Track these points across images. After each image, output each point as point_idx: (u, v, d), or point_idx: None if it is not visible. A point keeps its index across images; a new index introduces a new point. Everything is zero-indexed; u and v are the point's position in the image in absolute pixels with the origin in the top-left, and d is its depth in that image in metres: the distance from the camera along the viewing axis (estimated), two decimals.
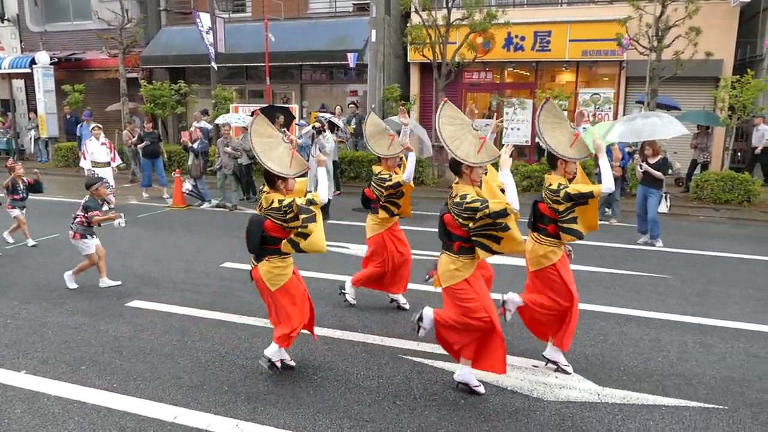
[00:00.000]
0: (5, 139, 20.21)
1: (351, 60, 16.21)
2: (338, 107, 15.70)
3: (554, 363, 4.89)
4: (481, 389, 4.51)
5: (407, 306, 6.28)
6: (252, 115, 12.44)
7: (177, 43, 19.25)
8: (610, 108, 14.76)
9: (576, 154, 4.56)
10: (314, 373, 4.85)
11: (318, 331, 5.64)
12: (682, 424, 4.11)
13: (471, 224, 4.10)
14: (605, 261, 8.18)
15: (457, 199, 4.16)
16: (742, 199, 12.05)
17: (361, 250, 8.67)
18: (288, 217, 4.32)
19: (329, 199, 10.83)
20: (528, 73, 17.20)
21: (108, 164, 11.56)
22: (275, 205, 4.35)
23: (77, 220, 6.79)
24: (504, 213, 4.00)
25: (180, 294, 6.72)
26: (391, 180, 5.81)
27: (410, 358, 5.12)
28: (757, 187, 12.13)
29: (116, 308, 6.29)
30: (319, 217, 4.35)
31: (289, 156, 4.46)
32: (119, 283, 7.01)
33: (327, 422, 4.13)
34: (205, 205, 12.17)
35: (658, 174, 9.02)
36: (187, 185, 12.24)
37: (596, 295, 6.68)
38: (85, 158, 11.60)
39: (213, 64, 16.21)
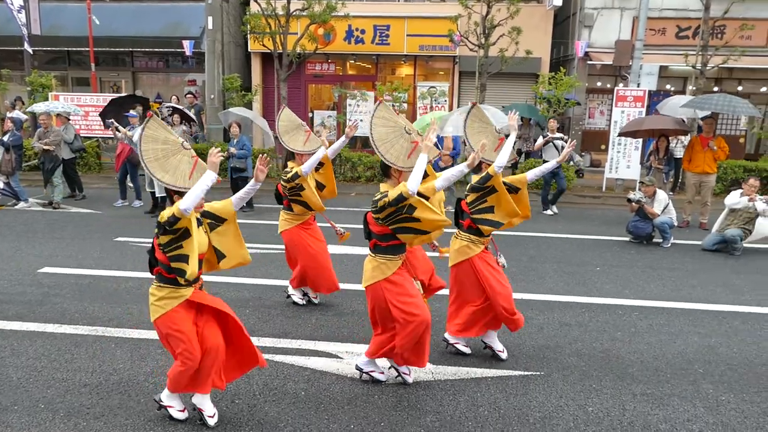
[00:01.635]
0: None
1: (187, 48, 15.43)
2: (174, 97, 14.87)
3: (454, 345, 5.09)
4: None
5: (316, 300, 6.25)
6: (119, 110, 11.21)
7: None
8: (445, 101, 15.60)
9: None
10: (146, 379, 4.56)
11: (150, 334, 5.34)
12: (504, 392, 4.47)
13: (380, 216, 4.09)
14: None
15: (374, 198, 4.14)
16: None
17: None
18: (156, 232, 3.62)
19: (164, 196, 10.20)
20: (369, 66, 17.60)
21: None
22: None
23: None
24: (401, 198, 3.95)
25: None
26: (290, 172, 5.62)
27: None
28: (572, 173, 13.55)
29: None
30: (195, 230, 3.56)
31: (189, 165, 3.68)
32: None
33: (159, 430, 3.91)
34: (21, 205, 10.89)
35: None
36: None
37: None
38: None
39: (27, 47, 14.51)
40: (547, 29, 16.17)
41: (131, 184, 11.18)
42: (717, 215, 9.16)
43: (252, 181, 3.85)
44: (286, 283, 6.71)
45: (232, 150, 10.46)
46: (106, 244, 8.31)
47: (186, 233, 3.53)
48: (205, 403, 3.96)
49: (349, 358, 4.96)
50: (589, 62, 15.89)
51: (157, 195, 10.13)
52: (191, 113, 13.25)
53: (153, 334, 5.33)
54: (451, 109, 15.40)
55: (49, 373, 4.63)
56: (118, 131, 10.86)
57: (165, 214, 3.50)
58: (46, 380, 4.51)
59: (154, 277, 3.80)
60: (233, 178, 10.69)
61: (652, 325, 5.87)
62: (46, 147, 10.58)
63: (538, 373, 4.79)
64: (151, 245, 3.77)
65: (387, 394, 4.42)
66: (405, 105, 14.51)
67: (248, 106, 14.27)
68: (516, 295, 6.49)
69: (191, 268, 3.54)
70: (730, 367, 4.96)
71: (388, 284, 4.26)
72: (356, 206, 11.43)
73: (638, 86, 13.36)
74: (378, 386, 4.53)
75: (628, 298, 6.63)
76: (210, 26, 14.49)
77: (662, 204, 8.89)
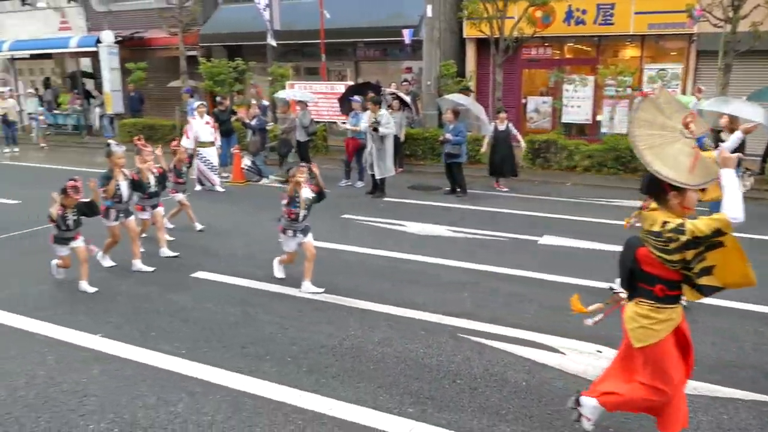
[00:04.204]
0: (75, 115, 20.95)
1: (406, 36, 16.00)
2: (393, 84, 15.59)
3: None
4: None
5: None
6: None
7: (234, 21, 19.46)
8: (677, 84, 14.10)
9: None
10: (374, 348, 4.89)
11: (378, 307, 5.71)
12: (760, 420, 3.93)
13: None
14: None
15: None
16: None
17: (418, 228, 8.64)
18: (670, 247, 3.01)
19: (383, 178, 10.80)
20: (589, 49, 16.60)
21: (212, 144, 11.38)
22: (656, 228, 3.08)
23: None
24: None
25: (242, 267, 6.87)
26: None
27: (469, 337, 5.08)
28: None
29: (182, 279, 6.51)
30: (730, 240, 2.96)
31: (689, 157, 3.08)
32: (177, 254, 7.24)
33: (387, 397, 4.17)
34: (264, 181, 12.36)
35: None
36: (246, 161, 12.46)
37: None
38: (188, 137, 11.26)
39: (271, 41, 16.33)
40: None
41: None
42: None
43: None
44: (501, 270, 6.71)
45: (448, 136, 10.65)
46: (334, 220, 9.05)
47: (718, 244, 2.97)
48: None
49: (573, 355, 4.78)
50: None
51: (376, 178, 10.76)
52: (408, 99, 13.80)
53: (380, 307, 5.69)
54: (683, 93, 13.88)
55: (294, 332, 5.20)
56: (344, 124, 11.78)
57: (702, 228, 2.93)
58: (291, 338, 5.08)
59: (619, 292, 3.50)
60: (447, 163, 10.91)
61: None
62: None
63: None
64: (633, 257, 3.26)
65: None
66: (629, 90, 13.43)
67: (462, 91, 14.41)
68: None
69: (736, 274, 3.02)
70: None
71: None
72: (572, 196, 10.93)
73: None
74: None
75: None
76: (429, 14, 14.87)
77: None
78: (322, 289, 6.07)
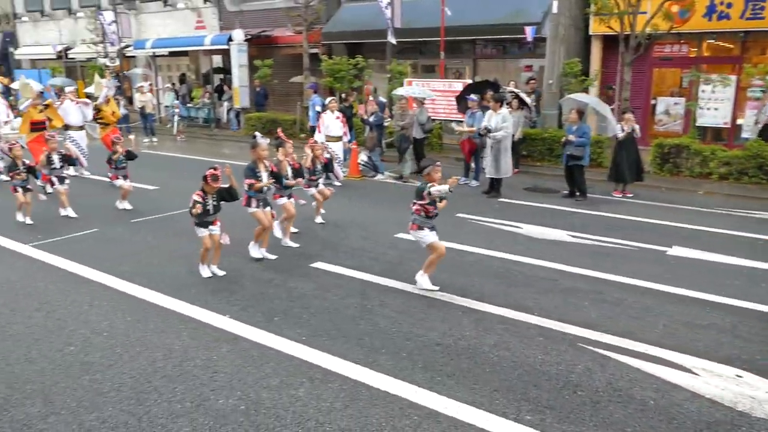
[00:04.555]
0: (206, 108, 22.47)
1: (529, 33, 15.58)
2: (512, 82, 15.23)
3: None
4: None
5: None
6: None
7: (355, 19, 19.94)
8: None
9: None
10: (490, 351, 4.81)
11: (492, 309, 5.62)
12: None
13: None
14: None
15: None
16: None
17: (534, 230, 8.39)
18: None
19: (500, 178, 10.60)
20: (732, 46, 15.25)
21: (340, 138, 11.76)
22: None
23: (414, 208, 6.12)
24: None
25: (359, 260, 7.01)
26: None
27: (591, 348, 4.85)
28: None
29: (303, 268, 6.76)
30: None
31: None
32: (298, 245, 7.51)
33: (504, 402, 4.07)
34: (378, 177, 12.57)
35: None
36: (363, 157, 12.72)
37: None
38: (320, 131, 11.71)
39: (392, 39, 16.54)
40: None
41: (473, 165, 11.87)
42: None
43: None
44: (626, 280, 6.36)
45: (571, 137, 10.24)
46: (448, 219, 8.98)
47: None
48: None
49: (707, 377, 4.41)
50: None
51: (489, 176, 10.59)
52: (530, 99, 13.42)
53: (494, 309, 5.57)
54: None
55: (408, 327, 5.22)
56: (459, 126, 11.71)
57: None
58: (405, 333, 5.11)
59: None
60: (568, 165, 10.50)
61: None
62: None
63: None
64: None
65: (758, 428, 3.80)
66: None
67: (586, 91, 13.80)
68: None
69: None
70: None
71: None
72: (706, 206, 10.12)
73: None
74: (745, 417, 3.92)
75: None
76: (555, 10, 14.36)
77: None
78: (437, 287, 6.05)
